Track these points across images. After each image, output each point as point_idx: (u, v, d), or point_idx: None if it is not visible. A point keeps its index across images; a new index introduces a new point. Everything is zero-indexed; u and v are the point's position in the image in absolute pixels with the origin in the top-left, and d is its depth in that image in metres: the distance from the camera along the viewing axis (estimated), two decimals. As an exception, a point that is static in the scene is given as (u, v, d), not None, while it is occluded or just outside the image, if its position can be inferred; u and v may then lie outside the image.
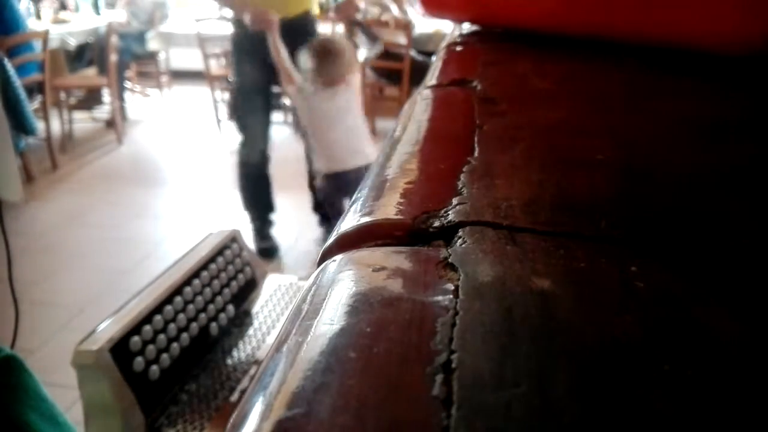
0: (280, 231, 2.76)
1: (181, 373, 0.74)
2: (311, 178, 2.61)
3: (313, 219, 2.84)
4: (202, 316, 0.80)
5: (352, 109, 2.14)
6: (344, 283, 0.20)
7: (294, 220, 2.83)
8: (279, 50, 2.15)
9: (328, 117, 2.12)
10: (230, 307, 0.85)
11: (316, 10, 2.45)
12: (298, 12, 2.38)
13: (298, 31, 2.30)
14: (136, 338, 0.68)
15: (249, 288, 0.91)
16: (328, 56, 2.07)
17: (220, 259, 0.86)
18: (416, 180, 0.28)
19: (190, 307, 0.78)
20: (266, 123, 2.48)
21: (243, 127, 2.47)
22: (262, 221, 2.63)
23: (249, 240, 2.55)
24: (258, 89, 2.41)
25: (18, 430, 0.62)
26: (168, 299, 0.75)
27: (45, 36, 3.43)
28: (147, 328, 0.70)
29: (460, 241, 0.22)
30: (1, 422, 0.61)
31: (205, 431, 0.68)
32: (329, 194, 2.32)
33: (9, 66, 2.88)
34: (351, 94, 2.14)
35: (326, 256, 0.23)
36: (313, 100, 2.13)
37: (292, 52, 2.20)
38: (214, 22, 4.33)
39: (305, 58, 2.12)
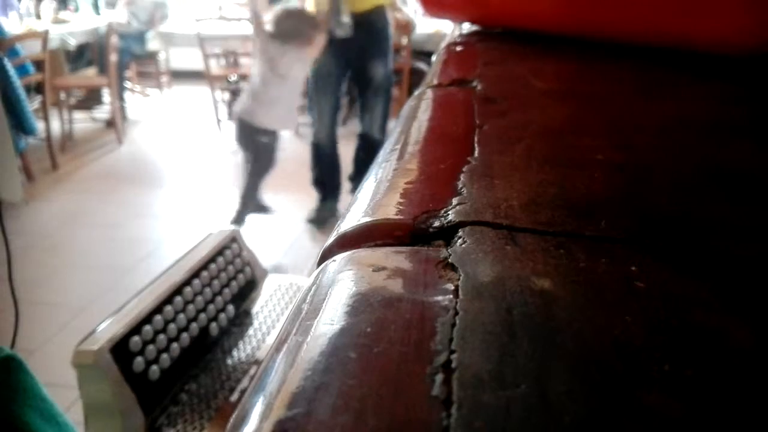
0: (280, 231, 2.76)
1: (181, 373, 0.74)
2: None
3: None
4: (202, 316, 0.80)
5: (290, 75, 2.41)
6: (344, 283, 0.20)
7: (294, 220, 2.83)
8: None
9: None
10: (230, 307, 0.85)
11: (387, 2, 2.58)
12: (368, 7, 2.50)
13: (368, 26, 2.48)
14: (136, 338, 0.68)
15: (249, 288, 0.91)
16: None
17: (220, 259, 0.86)
18: (416, 180, 0.28)
19: (190, 307, 0.78)
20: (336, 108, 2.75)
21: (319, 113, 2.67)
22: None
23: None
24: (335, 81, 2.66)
25: (18, 430, 0.62)
26: (168, 299, 0.75)
27: (45, 36, 3.43)
28: (147, 328, 0.70)
29: (460, 241, 0.22)
30: (1, 422, 0.61)
31: (205, 431, 0.68)
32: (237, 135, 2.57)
33: (9, 66, 2.88)
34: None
35: (326, 256, 0.23)
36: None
37: (363, 47, 2.46)
38: (214, 22, 4.33)
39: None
